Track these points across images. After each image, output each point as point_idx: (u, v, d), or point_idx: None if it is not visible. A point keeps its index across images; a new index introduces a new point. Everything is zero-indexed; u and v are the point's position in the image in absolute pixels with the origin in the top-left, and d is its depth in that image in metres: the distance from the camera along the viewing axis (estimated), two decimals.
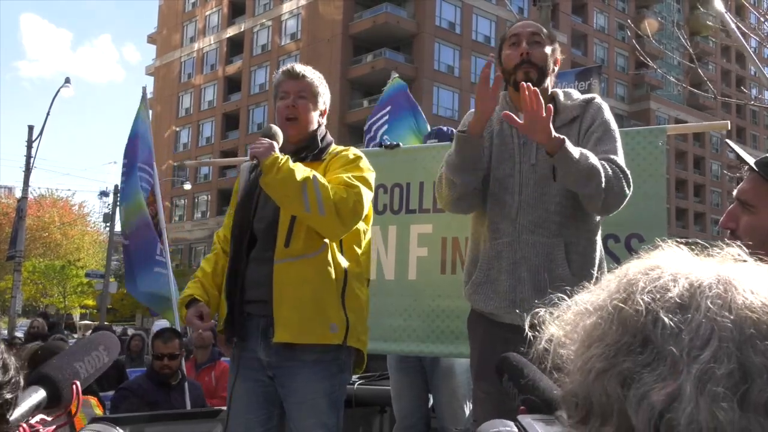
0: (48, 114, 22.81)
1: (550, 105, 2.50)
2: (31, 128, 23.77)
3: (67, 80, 22.67)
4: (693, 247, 0.72)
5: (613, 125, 2.77)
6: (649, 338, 0.62)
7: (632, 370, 0.61)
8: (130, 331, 14.90)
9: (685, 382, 0.58)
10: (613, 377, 0.62)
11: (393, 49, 43.87)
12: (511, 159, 2.74)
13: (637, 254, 0.72)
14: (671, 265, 0.68)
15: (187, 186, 43.22)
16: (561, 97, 2.81)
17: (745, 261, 0.69)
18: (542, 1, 11.65)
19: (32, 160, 23.84)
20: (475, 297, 2.75)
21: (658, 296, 0.64)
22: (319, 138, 2.94)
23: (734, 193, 1.69)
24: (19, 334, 15.94)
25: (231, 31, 52.84)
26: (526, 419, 0.99)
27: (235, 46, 52.72)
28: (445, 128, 4.32)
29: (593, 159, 2.51)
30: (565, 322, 0.70)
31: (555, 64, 2.81)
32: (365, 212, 2.80)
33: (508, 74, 2.76)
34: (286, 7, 48.91)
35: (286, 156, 2.69)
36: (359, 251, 2.91)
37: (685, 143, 57.88)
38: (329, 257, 2.78)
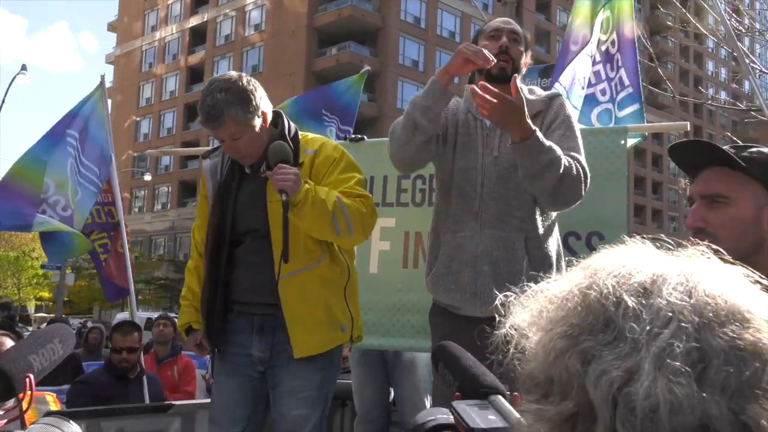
0: (3, 101, 22.30)
1: (522, 95, 2.51)
2: None
3: (24, 68, 22.22)
4: (658, 243, 0.73)
5: (575, 122, 2.81)
6: (611, 319, 0.64)
7: (593, 348, 0.63)
8: (90, 324, 14.67)
9: (644, 359, 0.60)
10: (574, 355, 0.64)
11: (358, 42, 43.80)
12: (474, 150, 2.75)
13: (598, 252, 0.73)
14: (636, 257, 0.70)
15: (148, 177, 42.65)
16: (525, 92, 2.81)
17: (708, 258, 0.71)
18: None
19: None
20: (436, 289, 2.77)
21: (622, 281, 0.66)
22: (288, 136, 2.76)
23: (696, 191, 1.67)
24: None
25: (194, 21, 52.19)
26: (460, 405, 1.01)
27: (198, 36, 52.08)
28: None
29: (559, 151, 2.54)
30: (528, 310, 0.72)
31: (524, 66, 2.86)
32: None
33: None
34: None
35: (311, 183, 2.59)
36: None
37: (645, 141, 58.83)
38: (330, 263, 2.75)
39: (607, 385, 0.61)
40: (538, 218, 2.71)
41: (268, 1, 47.02)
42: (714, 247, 1.64)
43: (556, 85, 3.82)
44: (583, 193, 2.63)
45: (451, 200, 2.76)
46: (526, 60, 2.85)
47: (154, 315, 12.75)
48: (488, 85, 2.44)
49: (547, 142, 2.51)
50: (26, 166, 5.35)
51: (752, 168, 1.60)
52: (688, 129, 3.50)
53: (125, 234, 5.51)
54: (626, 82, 4.00)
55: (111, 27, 60.39)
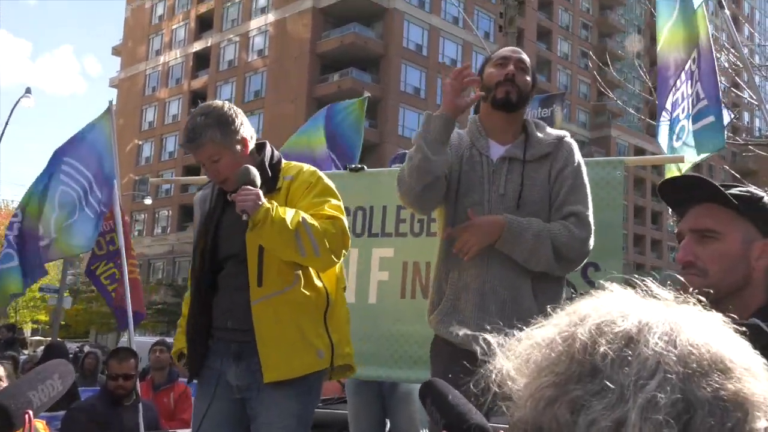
0: (6, 124, 22.43)
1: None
2: None
3: (28, 90, 22.34)
4: (641, 287, 0.74)
5: (584, 168, 2.81)
6: (598, 368, 0.65)
7: (582, 398, 0.64)
8: (87, 348, 14.59)
9: (631, 409, 0.61)
10: (564, 405, 0.64)
11: (360, 68, 44.09)
12: (480, 186, 2.73)
13: (593, 282, 0.75)
14: (621, 304, 0.71)
15: (148, 201, 42.69)
16: (534, 128, 2.83)
17: (689, 304, 0.72)
18: (508, 27, 11.85)
19: None
20: (441, 327, 2.73)
21: (607, 329, 0.67)
22: (266, 166, 2.81)
23: (687, 226, 1.70)
24: None
25: (198, 46, 52.60)
26: None
27: (202, 61, 52.46)
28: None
29: (537, 227, 2.60)
30: (515, 354, 0.72)
31: (534, 90, 2.87)
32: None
33: (488, 91, 2.77)
34: (254, 24, 48.90)
35: (273, 204, 2.61)
36: (336, 269, 2.89)
37: (644, 171, 59.03)
38: (304, 288, 2.74)
39: None
40: None
41: (271, 27, 47.44)
42: (700, 282, 1.64)
43: (664, 114, 3.72)
44: (587, 249, 2.67)
45: (456, 237, 2.74)
46: (533, 91, 2.86)
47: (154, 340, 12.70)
48: (452, 232, 2.62)
49: (523, 225, 2.59)
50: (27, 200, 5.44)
51: (742, 205, 1.64)
52: (685, 161, 3.53)
53: (125, 258, 5.48)
54: (701, 94, 3.89)
55: (116, 51, 60.88)
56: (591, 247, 2.69)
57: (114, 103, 5.87)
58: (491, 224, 2.58)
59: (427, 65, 45.95)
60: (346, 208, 3.75)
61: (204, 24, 52.99)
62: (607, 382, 0.64)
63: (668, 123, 3.81)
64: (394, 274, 3.61)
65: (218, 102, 2.84)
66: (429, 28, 46.38)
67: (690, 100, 3.90)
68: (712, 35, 3.94)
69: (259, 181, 2.66)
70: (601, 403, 0.63)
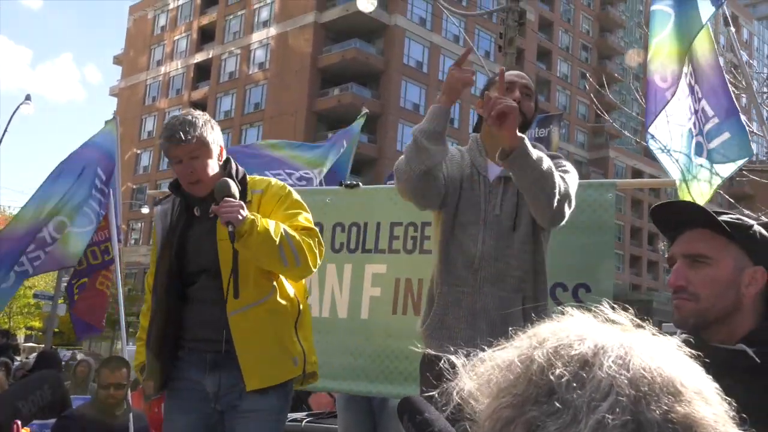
0: (5, 130, 22.45)
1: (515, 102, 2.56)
2: None
3: (28, 97, 22.39)
4: (598, 313, 0.78)
5: (574, 188, 2.77)
6: (554, 390, 0.67)
7: (538, 419, 0.66)
8: (80, 356, 14.52)
9: (582, 430, 0.64)
10: (520, 425, 0.67)
11: (360, 84, 44.28)
12: (477, 206, 2.75)
13: (583, 303, 0.79)
14: (578, 328, 0.74)
15: (145, 210, 42.65)
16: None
17: (644, 329, 0.75)
18: (507, 48, 11.94)
19: None
20: (430, 341, 2.74)
21: (564, 352, 0.70)
22: (235, 175, 2.84)
23: (679, 251, 1.72)
24: None
25: (199, 57, 52.79)
26: None
27: (202, 72, 52.63)
28: None
29: (549, 162, 2.56)
30: (477, 375, 0.75)
31: (534, 113, 2.91)
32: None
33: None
34: (256, 37, 49.12)
35: (257, 215, 2.66)
36: (303, 280, 2.98)
37: (642, 192, 59.19)
38: (279, 297, 2.80)
39: None
40: (536, 277, 2.73)
41: (273, 40, 47.66)
42: (692, 307, 1.66)
43: (649, 138, 3.58)
44: (564, 211, 2.61)
45: (450, 253, 2.76)
46: (534, 116, 2.90)
47: None
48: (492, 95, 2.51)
49: (535, 153, 2.52)
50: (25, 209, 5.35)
51: (734, 232, 1.67)
52: (678, 185, 3.56)
53: (118, 269, 5.49)
54: (710, 112, 3.80)
55: (117, 60, 61.05)
56: (564, 214, 2.62)
57: (113, 111, 5.91)
58: (515, 124, 2.49)
59: (427, 82, 46.16)
60: (341, 224, 3.80)
61: (206, 36, 53.21)
62: (562, 404, 0.66)
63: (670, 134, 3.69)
64: (387, 291, 3.64)
65: (196, 111, 2.92)
66: (430, 45, 46.64)
67: (699, 117, 3.81)
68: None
69: (238, 194, 2.70)
70: (555, 423, 0.65)
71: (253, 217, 2.63)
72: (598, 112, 8.85)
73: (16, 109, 22.47)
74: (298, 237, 2.70)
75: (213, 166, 2.81)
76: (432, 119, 2.63)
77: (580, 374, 0.68)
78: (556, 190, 2.53)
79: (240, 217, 2.59)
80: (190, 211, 2.88)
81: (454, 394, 0.75)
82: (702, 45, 3.82)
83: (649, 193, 59.97)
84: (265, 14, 49.15)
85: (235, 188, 2.70)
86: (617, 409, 0.65)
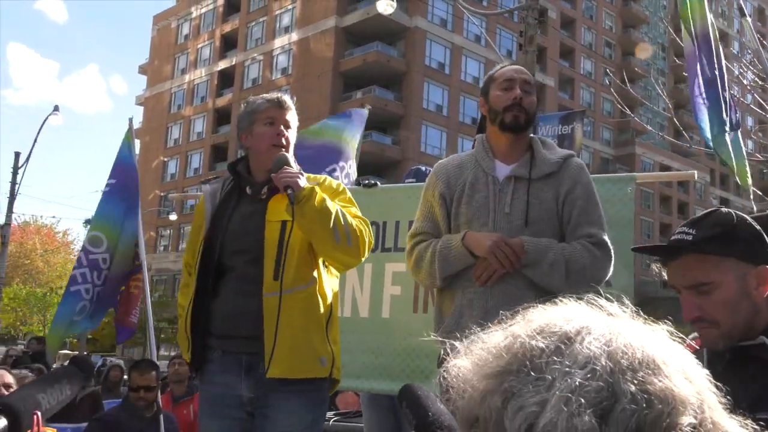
0: (35, 141, 22.87)
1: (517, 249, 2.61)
2: (17, 155, 23.77)
3: (56, 108, 22.71)
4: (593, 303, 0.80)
5: (594, 187, 2.81)
6: (534, 362, 0.69)
7: (515, 388, 0.68)
8: (111, 361, 14.66)
9: (553, 395, 0.66)
10: (498, 394, 0.69)
11: (382, 86, 44.34)
12: (486, 207, 2.73)
13: (608, 298, 0.82)
14: (568, 312, 0.77)
15: (173, 216, 43.11)
16: (540, 146, 2.83)
17: (634, 318, 0.77)
18: (528, 46, 11.91)
19: (17, 186, 23.78)
20: (445, 345, 2.74)
21: (548, 330, 0.72)
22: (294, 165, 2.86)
23: (678, 284, 1.69)
24: None
25: (222, 65, 53.26)
26: None
27: (226, 79, 53.08)
28: (423, 168, 4.40)
29: (554, 251, 2.61)
30: (469, 355, 0.78)
31: (538, 109, 2.92)
32: None
33: (495, 114, 2.79)
34: (278, 43, 49.43)
35: (315, 186, 2.67)
36: (336, 282, 2.91)
37: (670, 189, 58.51)
38: (317, 291, 2.75)
39: (522, 419, 0.65)
40: None
41: (295, 46, 47.92)
42: (716, 334, 1.65)
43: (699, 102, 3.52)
44: (607, 269, 2.67)
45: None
46: (539, 104, 2.92)
47: None
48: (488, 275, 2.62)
49: (540, 246, 2.60)
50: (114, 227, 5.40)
51: (719, 248, 1.64)
52: (696, 178, 3.53)
53: (146, 274, 5.58)
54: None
55: (142, 69, 61.83)
56: (611, 269, 2.68)
57: (139, 120, 6.01)
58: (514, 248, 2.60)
59: (449, 83, 46.09)
60: None
61: (228, 43, 53.67)
62: (538, 373, 0.68)
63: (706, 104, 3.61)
64: (407, 289, 3.66)
65: None
66: (451, 46, 46.56)
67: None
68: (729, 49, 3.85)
69: (296, 168, 2.74)
70: (530, 391, 0.67)
71: (313, 186, 2.66)
72: (621, 108, 8.79)
73: (45, 120, 22.84)
74: (352, 219, 2.70)
75: (293, 144, 2.89)
76: (460, 264, 2.69)
77: (560, 347, 0.69)
78: (563, 279, 2.60)
79: (300, 183, 2.62)
80: (242, 190, 2.87)
81: (446, 373, 0.78)
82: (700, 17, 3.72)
83: (678, 189, 59.29)
84: (286, 20, 49.45)
85: (293, 162, 2.74)
86: (590, 376, 0.66)
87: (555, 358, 0.68)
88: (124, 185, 5.51)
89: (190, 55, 56.06)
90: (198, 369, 2.86)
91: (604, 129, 58.41)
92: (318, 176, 2.96)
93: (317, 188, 2.66)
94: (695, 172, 3.56)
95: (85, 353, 22.25)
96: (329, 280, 2.85)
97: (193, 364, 2.85)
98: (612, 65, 53.43)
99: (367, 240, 2.74)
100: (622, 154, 57.48)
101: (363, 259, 2.80)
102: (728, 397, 0.75)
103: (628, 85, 9.64)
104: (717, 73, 3.66)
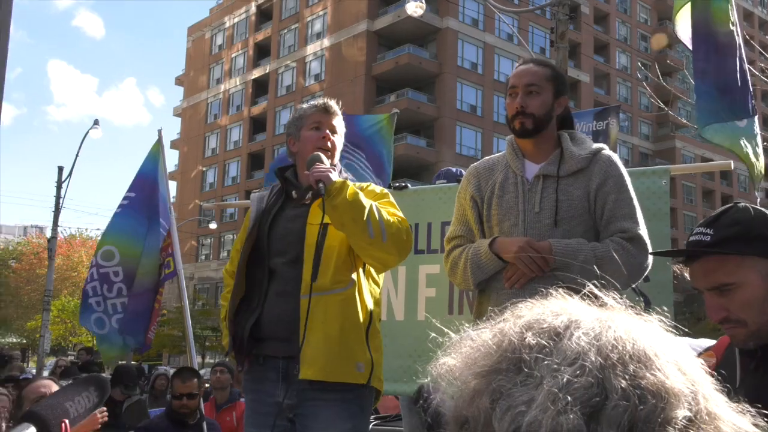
0: (77, 155, 23.29)
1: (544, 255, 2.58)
2: (60, 169, 24.26)
3: (96, 122, 23.13)
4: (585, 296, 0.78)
5: (627, 180, 2.75)
6: (523, 359, 0.68)
7: (504, 387, 0.66)
8: (162, 369, 14.84)
9: (540, 393, 0.64)
10: (486, 394, 0.67)
11: (415, 89, 44.32)
12: (516, 207, 2.72)
13: (643, 293, 0.81)
14: (556, 306, 0.75)
15: (213, 225, 43.63)
16: (568, 142, 2.78)
17: (625, 310, 0.75)
18: (559, 42, 11.79)
19: (61, 200, 24.30)
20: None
21: (536, 325, 0.71)
22: (338, 172, 2.87)
23: (701, 286, 1.67)
24: (46, 372, 16.07)
25: (256, 73, 53.80)
26: None
27: (260, 87, 53.61)
28: (453, 169, 4.39)
29: (584, 252, 2.58)
30: (459, 353, 0.76)
31: (559, 107, 2.80)
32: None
33: (509, 122, 2.80)
34: (310, 49, 49.76)
35: (348, 182, 2.69)
36: (378, 290, 2.91)
37: (713, 182, 57.38)
38: (356, 294, 2.74)
39: (510, 420, 0.64)
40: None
41: (327, 51, 48.19)
42: (744, 333, 1.62)
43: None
44: (644, 265, 2.63)
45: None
46: (559, 101, 2.79)
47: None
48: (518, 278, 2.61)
49: (570, 248, 2.57)
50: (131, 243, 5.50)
51: (738, 247, 1.61)
52: (732, 168, 3.45)
53: (184, 284, 5.64)
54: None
55: (178, 81, 62.76)
56: (648, 265, 2.64)
57: (177, 131, 6.07)
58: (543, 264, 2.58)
59: (482, 83, 45.88)
60: None
61: (262, 51, 54.20)
62: (527, 372, 0.66)
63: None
64: (442, 291, 3.65)
65: None
66: (483, 46, 46.34)
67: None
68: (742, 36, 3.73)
69: (329, 166, 2.77)
70: (519, 391, 0.65)
71: (345, 180, 2.68)
72: (656, 102, 8.64)
73: (86, 134, 23.29)
74: (388, 216, 2.69)
75: (339, 153, 2.95)
76: (490, 269, 2.69)
77: (549, 344, 0.68)
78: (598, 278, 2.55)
79: (331, 177, 2.64)
80: (288, 195, 2.92)
81: (435, 372, 0.77)
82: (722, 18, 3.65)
83: (721, 182, 58.09)
84: (318, 26, 49.76)
85: (326, 160, 2.77)
86: (579, 373, 0.64)
87: (543, 355, 0.67)
88: (143, 199, 5.57)
89: (225, 64, 56.74)
90: (242, 363, 2.87)
91: (642, 123, 57.51)
92: (362, 183, 2.98)
93: (349, 183, 2.67)
94: (731, 161, 3.46)
95: (131, 362, 22.61)
96: (370, 286, 2.84)
97: (239, 357, 2.86)
98: (648, 58, 52.56)
99: (405, 238, 2.72)
100: (662, 149, 56.53)
101: (401, 258, 2.79)
102: (763, 393, 0.73)
103: (660, 78, 9.48)
104: (713, 63, 3.60)
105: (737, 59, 3.56)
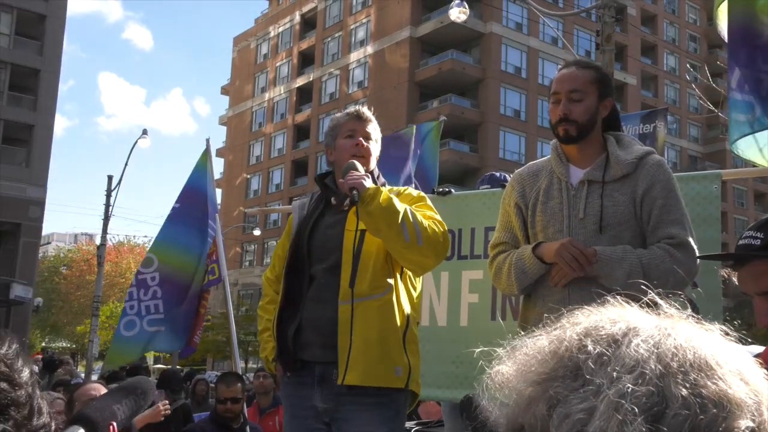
0: (126, 164, 23.84)
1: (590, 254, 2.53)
2: (110, 178, 24.87)
3: (144, 132, 23.67)
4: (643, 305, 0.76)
5: (675, 184, 2.68)
6: (579, 366, 0.66)
7: (560, 394, 0.65)
8: (205, 375, 15.00)
9: (602, 401, 0.62)
10: (542, 401, 0.66)
11: (459, 94, 44.22)
12: (560, 213, 2.67)
13: (692, 301, 0.78)
14: (614, 313, 0.73)
15: (257, 232, 44.14)
16: (615, 146, 2.72)
17: (685, 318, 0.73)
18: (605, 45, 11.63)
19: (111, 208, 24.87)
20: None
21: (594, 332, 0.69)
22: (375, 178, 2.93)
23: (751, 290, 1.65)
24: (95, 377, 16.43)
25: (300, 81, 54.33)
26: None
27: (304, 95, 54.12)
28: (497, 174, 4.35)
29: (629, 260, 2.52)
30: (513, 361, 0.74)
31: (605, 109, 2.73)
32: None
33: (553, 128, 2.76)
34: (354, 57, 50.06)
35: (384, 187, 2.71)
36: (415, 295, 2.91)
37: (764, 184, 55.88)
38: (394, 299, 2.75)
39: (568, 427, 0.62)
40: None
41: (370, 59, 48.41)
42: None
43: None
44: (692, 272, 2.57)
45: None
46: (603, 103, 2.73)
47: None
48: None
49: (615, 256, 2.51)
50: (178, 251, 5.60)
51: None
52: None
53: (228, 289, 5.70)
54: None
55: (224, 90, 63.78)
56: (696, 272, 2.58)
57: (223, 140, 6.15)
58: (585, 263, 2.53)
59: (526, 87, 45.55)
60: None
61: (306, 60, 54.72)
62: (585, 379, 0.65)
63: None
64: (484, 296, 3.62)
65: None
66: (527, 50, 46.01)
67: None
68: None
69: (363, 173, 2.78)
70: (577, 398, 0.64)
71: (378, 186, 2.69)
72: (705, 104, 8.44)
73: (135, 143, 23.83)
74: (423, 218, 2.70)
75: (374, 159, 2.97)
76: (534, 273, 2.65)
77: (607, 351, 0.66)
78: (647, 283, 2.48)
79: (365, 184, 2.65)
80: (327, 202, 2.95)
81: (489, 380, 0.75)
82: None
83: None
84: (361, 34, 50.04)
85: (361, 168, 2.79)
86: (640, 381, 0.63)
87: (602, 363, 0.66)
88: (188, 210, 5.66)
89: (270, 73, 57.45)
90: (288, 371, 2.89)
91: (691, 126, 56.39)
92: (400, 188, 3.00)
93: (383, 189, 2.68)
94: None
95: (177, 367, 23.00)
96: (407, 291, 2.85)
97: (285, 365, 2.88)
98: (698, 60, 51.56)
99: (441, 240, 2.72)
100: (712, 151, 55.31)
101: (439, 261, 2.79)
102: None
103: (710, 80, 9.26)
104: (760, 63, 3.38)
105: None
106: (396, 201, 2.67)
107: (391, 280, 2.76)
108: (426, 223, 2.69)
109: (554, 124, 2.73)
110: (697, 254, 2.56)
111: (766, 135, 3.27)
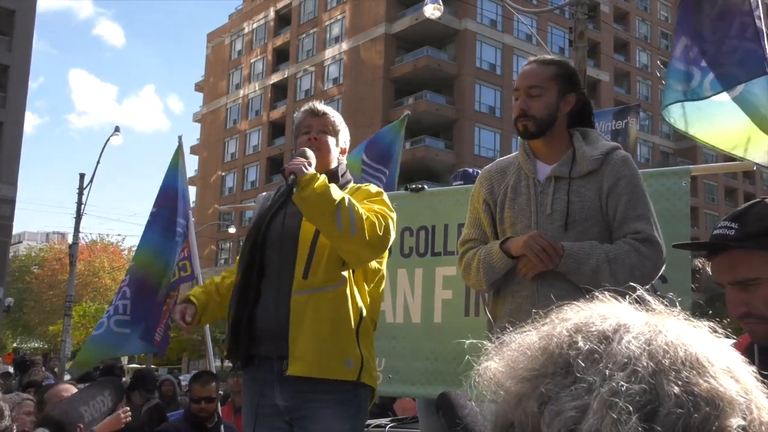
0: (98, 162, 23.57)
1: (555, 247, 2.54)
2: (82, 176, 24.56)
3: (117, 129, 23.43)
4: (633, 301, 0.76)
5: (641, 180, 2.69)
6: (570, 363, 0.66)
7: (551, 391, 0.65)
8: (186, 377, 14.82)
9: (594, 399, 0.62)
10: (533, 398, 0.66)
11: (434, 91, 44.30)
12: (528, 209, 2.68)
13: (661, 295, 0.77)
14: (604, 309, 0.72)
15: (232, 230, 43.89)
16: (581, 142, 2.73)
17: (676, 316, 0.72)
18: (578, 42, 11.72)
19: (83, 206, 24.57)
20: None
21: (584, 329, 0.69)
22: (339, 174, 2.95)
23: (724, 281, 1.66)
24: (68, 377, 16.23)
25: (275, 78, 54.07)
26: None
27: (279, 92, 53.86)
28: (470, 170, 4.37)
29: (596, 255, 2.53)
30: (501, 358, 0.74)
31: (566, 104, 2.73)
32: (390, 244, 2.80)
33: (514, 123, 2.79)
34: (329, 53, 49.92)
35: (323, 176, 2.68)
36: (376, 289, 2.90)
37: (736, 180, 56.74)
38: (347, 292, 2.75)
39: (560, 425, 0.62)
40: None
41: (345, 55, 48.31)
42: (764, 329, 1.60)
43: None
44: (657, 266, 2.59)
45: None
46: (566, 99, 2.73)
47: None
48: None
49: (582, 252, 2.53)
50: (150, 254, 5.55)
51: (766, 244, 1.59)
52: (755, 168, 3.38)
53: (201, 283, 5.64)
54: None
55: (198, 87, 63.24)
56: (662, 266, 2.60)
57: (197, 137, 6.10)
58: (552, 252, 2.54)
59: (501, 84, 45.75)
60: (409, 228, 3.81)
61: (281, 56, 54.46)
62: (576, 376, 0.64)
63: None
64: (458, 293, 3.63)
65: None
66: (502, 47, 46.21)
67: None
68: None
69: (314, 163, 2.76)
70: (569, 395, 0.63)
71: (316, 173, 2.67)
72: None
73: (107, 141, 23.56)
74: (362, 210, 2.67)
75: (333, 151, 2.97)
76: (502, 268, 2.65)
77: (598, 348, 0.66)
78: (612, 281, 2.47)
79: (304, 169, 2.64)
80: (291, 193, 2.90)
81: (477, 376, 0.75)
82: None
83: (743, 180, 57.43)
84: (336, 30, 49.92)
85: (311, 155, 2.79)
86: (633, 379, 0.63)
87: (593, 359, 0.65)
88: (164, 213, 5.62)
89: (244, 70, 57.09)
90: (238, 363, 2.88)
91: (663, 122, 56.96)
92: (361, 185, 2.99)
93: (321, 176, 2.66)
94: (754, 162, 3.39)
95: (151, 366, 22.81)
96: (362, 285, 2.84)
97: (232, 354, 2.85)
98: (669, 57, 52.13)
99: (380, 233, 2.67)
100: (684, 147, 56.00)
101: (376, 254, 2.74)
102: None
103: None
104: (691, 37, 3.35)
105: (747, 16, 3.23)
106: (335, 189, 2.65)
107: (345, 273, 2.76)
108: (365, 214, 2.66)
109: (514, 120, 2.76)
110: (663, 249, 2.59)
111: (696, 107, 3.29)
